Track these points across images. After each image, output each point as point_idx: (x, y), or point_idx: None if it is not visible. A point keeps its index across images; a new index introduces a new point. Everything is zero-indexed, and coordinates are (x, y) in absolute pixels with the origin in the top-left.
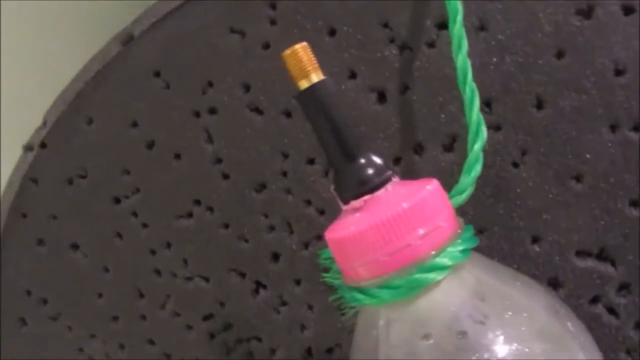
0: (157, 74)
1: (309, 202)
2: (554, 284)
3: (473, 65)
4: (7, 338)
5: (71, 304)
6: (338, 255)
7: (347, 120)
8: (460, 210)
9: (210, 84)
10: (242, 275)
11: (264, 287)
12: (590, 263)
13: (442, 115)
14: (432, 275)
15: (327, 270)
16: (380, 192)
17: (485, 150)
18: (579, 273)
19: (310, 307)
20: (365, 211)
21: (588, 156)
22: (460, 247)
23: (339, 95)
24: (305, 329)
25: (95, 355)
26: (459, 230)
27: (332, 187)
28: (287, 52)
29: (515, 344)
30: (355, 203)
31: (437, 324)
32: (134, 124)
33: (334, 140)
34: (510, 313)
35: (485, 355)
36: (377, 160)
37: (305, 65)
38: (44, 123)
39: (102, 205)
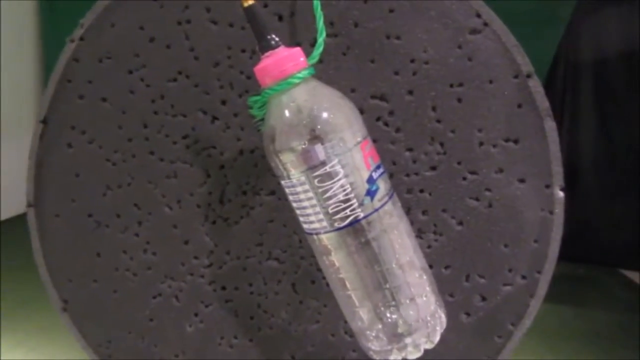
0: None
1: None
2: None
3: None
4: None
5: None
6: (259, 76)
7: (262, 16)
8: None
9: None
10: None
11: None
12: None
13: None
14: (294, 80)
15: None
16: (277, 49)
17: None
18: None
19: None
20: (270, 56)
21: None
22: (306, 72)
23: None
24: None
25: None
26: (307, 66)
27: (257, 47)
28: None
29: (327, 111)
30: (266, 53)
31: (295, 98)
32: None
33: (256, 30)
34: (327, 102)
35: (314, 112)
36: (275, 37)
37: None
38: None
39: None
